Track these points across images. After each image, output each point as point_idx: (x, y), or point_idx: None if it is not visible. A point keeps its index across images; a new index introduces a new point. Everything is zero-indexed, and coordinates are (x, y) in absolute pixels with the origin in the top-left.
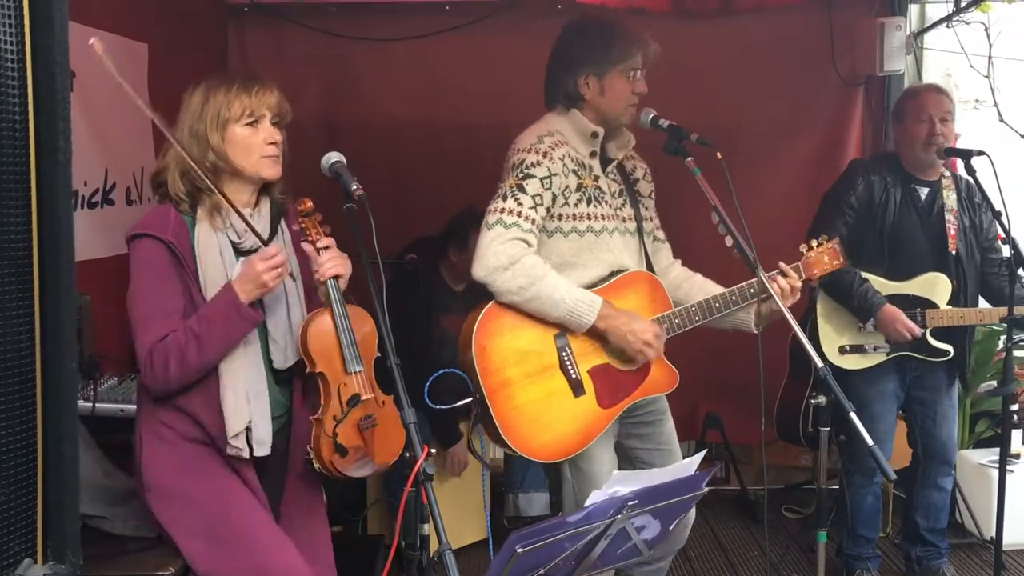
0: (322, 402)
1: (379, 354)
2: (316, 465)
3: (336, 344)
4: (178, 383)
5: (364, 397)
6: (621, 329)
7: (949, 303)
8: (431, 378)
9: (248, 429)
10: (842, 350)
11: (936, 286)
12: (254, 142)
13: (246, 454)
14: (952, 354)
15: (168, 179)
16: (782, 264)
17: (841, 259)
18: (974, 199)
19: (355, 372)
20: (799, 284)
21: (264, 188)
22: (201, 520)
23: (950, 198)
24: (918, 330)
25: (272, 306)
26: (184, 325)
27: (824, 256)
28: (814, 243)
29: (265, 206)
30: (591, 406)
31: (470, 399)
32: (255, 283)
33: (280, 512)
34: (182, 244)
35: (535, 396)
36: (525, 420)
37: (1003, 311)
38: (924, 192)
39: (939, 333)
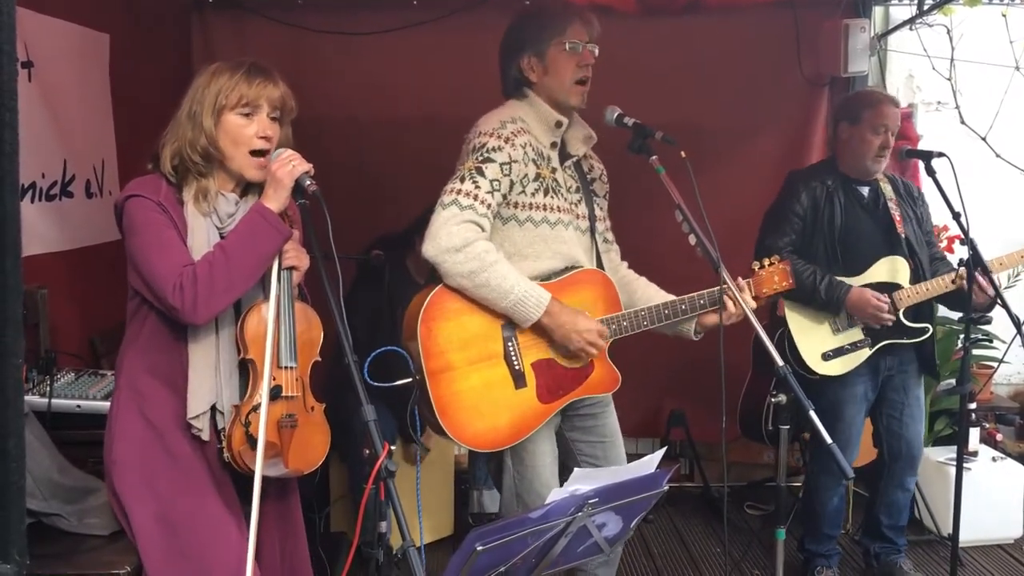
0: (249, 390)
1: (319, 359)
2: (226, 455)
3: (274, 335)
4: (206, 305)
5: (289, 394)
6: (565, 326)
7: (911, 283)
8: (373, 354)
9: (218, 412)
10: (825, 356)
11: (896, 268)
12: (245, 133)
13: (206, 436)
14: (931, 331)
15: (161, 154)
16: (740, 280)
17: (791, 280)
18: (912, 193)
19: (287, 367)
20: (753, 305)
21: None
22: (158, 504)
23: (887, 190)
24: (887, 302)
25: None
26: (213, 247)
27: (775, 275)
28: (766, 262)
29: (253, 198)
30: (531, 399)
31: (409, 379)
32: (272, 185)
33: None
34: (174, 211)
35: (476, 383)
36: (463, 406)
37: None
38: (865, 190)
39: (909, 316)
